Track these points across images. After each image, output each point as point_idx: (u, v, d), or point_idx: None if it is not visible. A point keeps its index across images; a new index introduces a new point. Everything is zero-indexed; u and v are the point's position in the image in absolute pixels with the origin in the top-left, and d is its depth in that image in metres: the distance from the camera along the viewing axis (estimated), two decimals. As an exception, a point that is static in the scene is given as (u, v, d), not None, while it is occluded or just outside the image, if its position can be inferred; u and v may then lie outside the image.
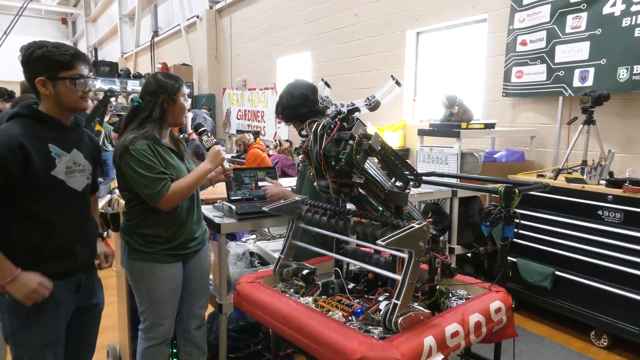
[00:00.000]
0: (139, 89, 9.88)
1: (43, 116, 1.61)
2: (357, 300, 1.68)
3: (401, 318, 1.36)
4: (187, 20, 10.94)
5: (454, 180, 2.67)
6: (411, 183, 1.68)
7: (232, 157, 6.49)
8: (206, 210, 2.72)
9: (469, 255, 3.78)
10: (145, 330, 2.09)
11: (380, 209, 1.69)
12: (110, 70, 9.68)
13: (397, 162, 1.61)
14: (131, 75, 10.30)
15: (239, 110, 9.28)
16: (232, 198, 2.66)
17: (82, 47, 22.21)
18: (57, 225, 1.62)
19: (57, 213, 1.62)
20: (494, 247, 3.67)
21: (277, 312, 1.58)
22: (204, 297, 2.29)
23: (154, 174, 1.87)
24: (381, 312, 1.44)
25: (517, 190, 1.80)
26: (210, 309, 2.60)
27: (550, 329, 3.24)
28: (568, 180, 3.03)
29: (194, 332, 2.25)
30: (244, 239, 3.24)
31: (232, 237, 3.41)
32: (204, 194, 2.33)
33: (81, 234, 1.72)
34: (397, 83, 1.54)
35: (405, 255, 1.45)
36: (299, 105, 2.29)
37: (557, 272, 3.11)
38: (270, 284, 1.83)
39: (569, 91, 3.62)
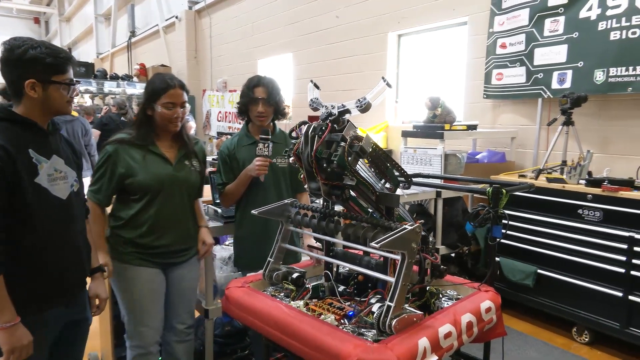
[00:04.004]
0: (116, 90, 9.74)
1: (22, 119, 1.50)
2: (348, 303, 1.68)
3: (395, 320, 1.36)
4: (166, 20, 10.79)
5: (440, 182, 2.70)
6: (401, 184, 1.69)
7: (213, 159, 6.42)
8: (191, 213, 2.68)
9: (453, 255, 3.82)
10: (128, 338, 2.05)
11: (370, 210, 1.68)
12: (87, 71, 9.45)
13: (387, 163, 1.61)
14: (108, 77, 10.10)
15: (220, 112, 9.18)
16: (218, 201, 2.62)
17: (56, 48, 21.60)
18: (47, 238, 1.52)
19: (45, 224, 1.51)
20: (477, 247, 3.72)
21: (269, 316, 1.56)
22: (183, 314, 2.17)
23: (94, 180, 1.95)
24: (374, 315, 1.43)
25: (504, 191, 1.83)
26: (195, 314, 2.56)
27: (533, 327, 3.30)
28: (549, 180, 3.09)
29: (174, 344, 2.16)
30: (227, 242, 3.20)
31: (216, 240, 3.36)
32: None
33: (71, 246, 1.61)
34: (388, 85, 1.53)
35: (397, 257, 1.45)
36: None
37: (539, 271, 3.17)
38: (259, 288, 1.81)
39: (548, 93, 3.70)
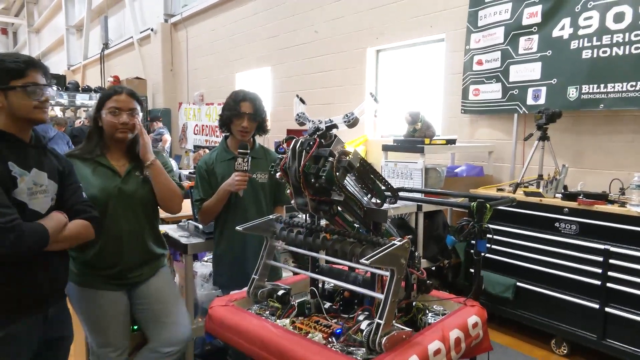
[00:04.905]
0: (89, 102, 9.51)
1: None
2: (335, 320, 1.65)
3: (385, 338, 1.34)
4: (141, 33, 10.67)
5: (422, 196, 2.72)
6: (387, 199, 1.68)
7: (190, 173, 6.31)
8: (170, 230, 2.61)
9: (433, 268, 3.83)
10: (94, 359, 1.96)
11: (356, 225, 1.67)
12: (58, 83, 9.21)
13: (374, 178, 1.60)
14: (80, 89, 9.86)
15: (196, 125, 9.08)
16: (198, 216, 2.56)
17: (25, 59, 21.06)
18: None
19: None
20: (457, 260, 3.75)
21: (255, 336, 1.52)
22: (162, 337, 2.00)
23: None
24: (364, 333, 1.41)
25: (488, 205, 1.84)
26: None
27: (513, 339, 3.32)
28: (526, 193, 3.15)
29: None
30: (205, 259, 3.12)
31: (195, 257, 3.28)
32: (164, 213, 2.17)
33: (46, 261, 1.54)
34: (376, 100, 1.54)
35: (385, 273, 1.43)
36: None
37: (518, 283, 3.21)
38: (244, 306, 1.76)
39: (523, 109, 3.80)
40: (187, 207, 2.73)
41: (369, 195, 1.64)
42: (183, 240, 2.39)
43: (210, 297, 2.41)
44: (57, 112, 9.32)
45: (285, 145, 1.57)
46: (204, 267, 2.72)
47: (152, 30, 10.00)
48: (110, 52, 12.71)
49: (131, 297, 2.00)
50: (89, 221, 1.65)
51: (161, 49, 9.75)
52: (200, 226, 2.46)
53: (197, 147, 7.73)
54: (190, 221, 2.59)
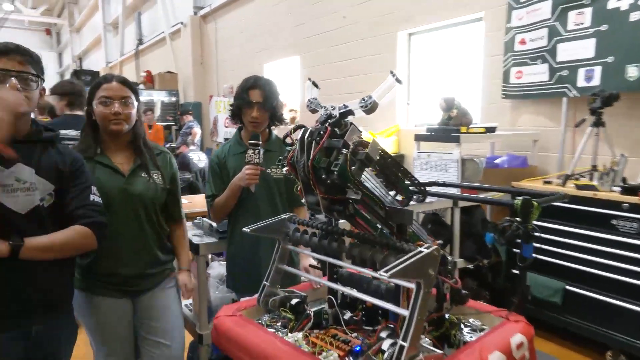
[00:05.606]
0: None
1: None
2: (355, 335, 1.44)
3: (410, 364, 1.12)
4: (172, 27, 10.71)
5: (458, 191, 2.44)
6: (414, 197, 1.45)
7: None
8: (184, 228, 2.47)
9: (471, 267, 3.55)
10: None
11: (379, 226, 1.45)
12: (92, 79, 9.39)
13: (398, 172, 1.37)
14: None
15: (227, 118, 9.02)
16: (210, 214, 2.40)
17: (67, 58, 21.96)
18: None
19: None
20: (497, 259, 3.45)
21: (260, 354, 1.33)
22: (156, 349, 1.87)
23: None
24: (384, 355, 1.20)
25: (535, 204, 1.57)
26: (189, 337, 2.35)
27: (560, 347, 3.01)
28: (578, 187, 2.82)
29: None
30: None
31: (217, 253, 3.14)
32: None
33: (28, 268, 1.41)
34: (398, 80, 1.30)
35: (411, 285, 1.21)
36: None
37: (568, 287, 2.89)
38: (253, 316, 1.58)
39: (573, 92, 3.43)
40: (203, 203, 2.58)
41: (393, 192, 1.41)
42: (195, 240, 2.24)
43: (225, 300, 2.26)
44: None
45: (292, 136, 1.37)
46: (221, 267, 2.57)
47: (182, 23, 10.01)
48: (144, 47, 12.89)
49: (134, 307, 1.86)
50: (89, 227, 1.48)
51: (191, 42, 9.75)
52: (214, 224, 2.30)
53: (227, 140, 7.70)
54: (205, 219, 2.44)
